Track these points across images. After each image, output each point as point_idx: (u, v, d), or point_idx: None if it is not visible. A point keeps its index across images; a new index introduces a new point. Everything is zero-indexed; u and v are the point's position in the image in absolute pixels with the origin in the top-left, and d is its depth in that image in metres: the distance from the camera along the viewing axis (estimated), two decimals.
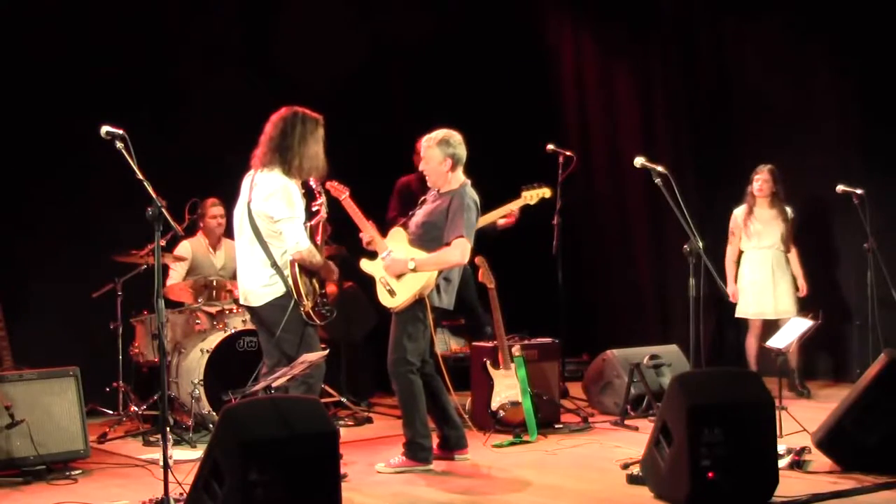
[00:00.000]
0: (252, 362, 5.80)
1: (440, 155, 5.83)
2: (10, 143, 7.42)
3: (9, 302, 6.67)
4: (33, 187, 7.50)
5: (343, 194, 6.14)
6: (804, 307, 7.71)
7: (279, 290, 5.30)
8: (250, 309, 5.48)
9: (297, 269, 5.27)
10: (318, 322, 5.36)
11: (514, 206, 7.14)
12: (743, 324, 8.15)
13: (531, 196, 7.13)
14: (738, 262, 8.06)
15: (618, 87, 9.79)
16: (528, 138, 8.81)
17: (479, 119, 8.47)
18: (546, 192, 7.18)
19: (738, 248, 8.04)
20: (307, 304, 5.28)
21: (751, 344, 8.02)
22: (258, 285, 5.34)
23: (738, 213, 8.04)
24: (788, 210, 7.95)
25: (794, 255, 7.96)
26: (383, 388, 7.76)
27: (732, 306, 8.08)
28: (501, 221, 7.26)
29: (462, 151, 5.88)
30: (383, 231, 6.17)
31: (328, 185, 6.05)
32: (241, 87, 8.20)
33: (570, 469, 5.82)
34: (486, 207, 7.27)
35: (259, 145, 5.42)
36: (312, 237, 5.39)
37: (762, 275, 7.92)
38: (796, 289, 7.93)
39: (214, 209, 7.39)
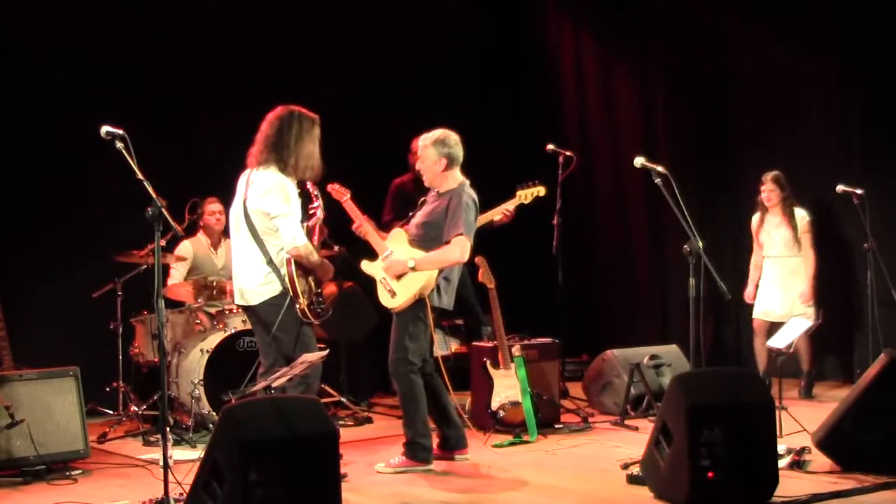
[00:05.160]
0: (252, 362, 5.79)
1: (435, 154, 5.84)
2: (10, 144, 7.42)
3: (9, 302, 6.66)
4: (33, 188, 7.49)
5: (344, 196, 6.15)
6: (815, 311, 7.71)
7: (275, 288, 5.29)
8: (247, 308, 5.47)
9: (293, 268, 5.27)
10: (313, 320, 5.36)
11: (509, 206, 7.12)
12: (751, 324, 8.15)
13: (525, 195, 7.09)
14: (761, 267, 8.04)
15: (618, 87, 9.79)
16: (528, 138, 8.81)
17: (479, 119, 8.47)
18: (541, 191, 7.12)
19: (761, 255, 8.02)
20: (303, 301, 5.28)
21: (755, 345, 8.01)
22: (254, 284, 5.33)
23: (753, 221, 8.04)
24: (801, 213, 7.87)
25: (809, 259, 7.84)
26: (383, 388, 7.78)
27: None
28: (497, 218, 7.23)
29: (458, 151, 5.88)
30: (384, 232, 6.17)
31: (329, 187, 6.06)
32: (241, 86, 8.20)
33: (570, 469, 5.81)
34: (485, 207, 7.29)
35: (255, 143, 5.41)
36: (309, 239, 5.38)
37: (773, 280, 7.92)
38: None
39: (212, 206, 7.41)
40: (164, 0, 8.19)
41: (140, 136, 4.75)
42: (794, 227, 7.83)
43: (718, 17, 9.11)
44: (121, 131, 4.67)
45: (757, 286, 8.03)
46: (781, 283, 7.88)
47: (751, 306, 8.04)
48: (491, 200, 6.82)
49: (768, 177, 7.89)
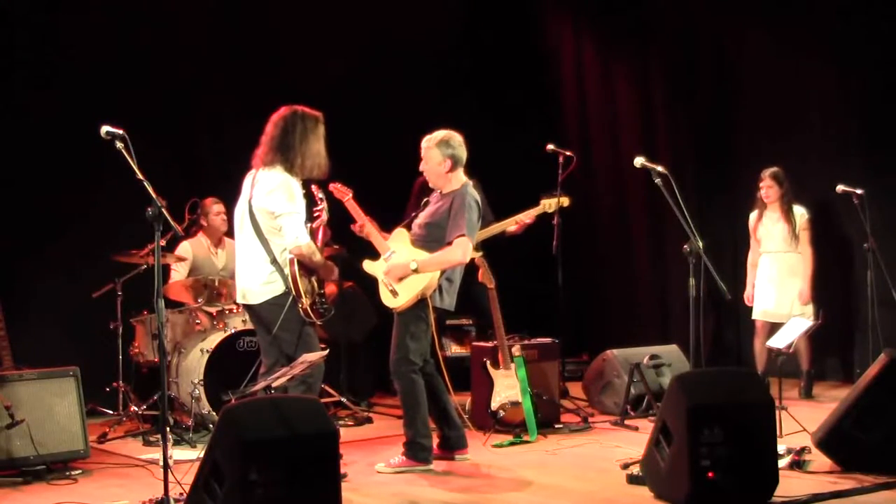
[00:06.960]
0: (252, 362, 5.81)
1: (439, 155, 5.85)
2: (10, 144, 7.42)
3: (9, 302, 6.66)
4: (34, 188, 7.49)
5: (346, 196, 6.16)
6: (815, 311, 7.71)
7: (278, 288, 5.30)
8: (249, 307, 5.48)
9: (296, 267, 5.27)
10: (315, 320, 5.36)
11: (533, 213, 7.18)
12: (751, 324, 8.15)
13: (549, 204, 7.20)
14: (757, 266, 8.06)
15: (618, 87, 9.80)
16: (528, 138, 8.81)
17: (479, 119, 8.47)
18: (565, 201, 7.27)
19: (758, 252, 8.04)
20: (305, 301, 5.28)
21: (755, 345, 8.02)
22: (258, 283, 5.34)
23: (751, 218, 8.04)
24: (800, 211, 7.89)
25: (807, 257, 7.86)
26: (383, 388, 7.78)
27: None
28: (511, 228, 7.26)
29: (462, 153, 5.90)
30: (386, 232, 6.16)
31: (331, 187, 6.06)
32: (241, 86, 8.20)
33: (570, 469, 5.82)
34: (484, 207, 7.27)
35: (260, 145, 5.44)
36: (312, 240, 5.39)
37: (770, 278, 7.93)
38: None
39: (217, 206, 7.41)
40: (165, 0, 8.20)
41: (140, 136, 4.75)
42: (792, 223, 7.84)
43: (718, 17, 9.11)
44: (121, 131, 4.67)
45: (755, 286, 8.04)
46: (779, 282, 7.88)
47: (751, 306, 8.04)
48: (490, 201, 6.81)
49: (767, 173, 7.90)
